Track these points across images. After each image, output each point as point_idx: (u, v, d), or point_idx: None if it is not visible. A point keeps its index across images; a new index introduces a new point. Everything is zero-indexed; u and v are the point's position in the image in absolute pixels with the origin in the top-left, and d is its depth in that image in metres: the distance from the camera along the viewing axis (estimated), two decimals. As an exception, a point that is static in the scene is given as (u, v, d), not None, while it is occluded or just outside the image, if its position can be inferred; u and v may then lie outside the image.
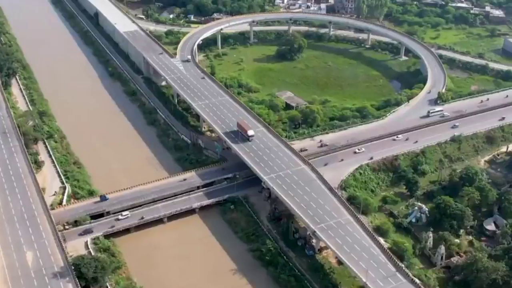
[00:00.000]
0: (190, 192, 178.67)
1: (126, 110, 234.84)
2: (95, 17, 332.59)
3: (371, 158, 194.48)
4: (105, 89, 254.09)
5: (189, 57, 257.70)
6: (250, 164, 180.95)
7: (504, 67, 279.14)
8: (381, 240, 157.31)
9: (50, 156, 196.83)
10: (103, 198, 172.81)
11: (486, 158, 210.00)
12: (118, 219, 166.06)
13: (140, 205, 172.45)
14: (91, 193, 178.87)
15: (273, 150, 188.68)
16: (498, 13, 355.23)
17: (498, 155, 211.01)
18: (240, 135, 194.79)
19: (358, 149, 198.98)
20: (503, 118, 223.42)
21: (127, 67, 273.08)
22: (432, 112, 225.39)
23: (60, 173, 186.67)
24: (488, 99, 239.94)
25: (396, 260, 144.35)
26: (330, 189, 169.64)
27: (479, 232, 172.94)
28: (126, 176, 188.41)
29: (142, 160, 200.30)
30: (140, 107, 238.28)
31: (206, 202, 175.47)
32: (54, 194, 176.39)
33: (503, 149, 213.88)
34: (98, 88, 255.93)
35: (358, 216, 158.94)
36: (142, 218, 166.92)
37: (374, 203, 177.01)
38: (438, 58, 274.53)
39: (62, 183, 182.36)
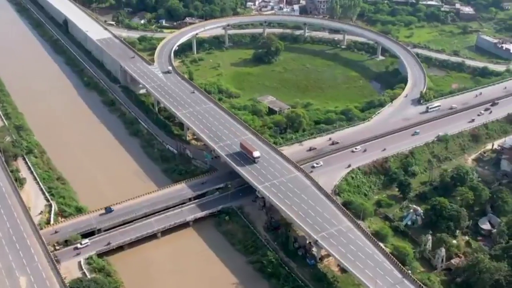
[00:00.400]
0: (183, 205, 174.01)
1: (106, 121, 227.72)
2: (64, 25, 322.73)
3: (349, 165, 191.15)
4: (82, 100, 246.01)
5: (170, 68, 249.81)
6: (243, 173, 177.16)
7: (480, 64, 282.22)
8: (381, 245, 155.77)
9: (31, 172, 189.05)
10: (108, 210, 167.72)
11: (473, 156, 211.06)
12: (77, 248, 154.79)
13: (132, 221, 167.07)
14: (79, 210, 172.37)
15: (264, 157, 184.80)
16: (468, 10, 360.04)
17: (484, 153, 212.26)
18: (244, 156, 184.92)
19: (316, 163, 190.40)
20: (473, 120, 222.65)
21: (102, 76, 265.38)
22: (431, 108, 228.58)
23: (44, 190, 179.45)
24: (481, 93, 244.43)
25: (402, 267, 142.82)
26: (327, 195, 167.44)
27: (475, 232, 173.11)
28: (113, 190, 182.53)
29: (129, 172, 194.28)
30: (120, 117, 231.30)
31: (200, 214, 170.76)
32: (40, 213, 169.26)
33: (489, 146, 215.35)
34: (75, 99, 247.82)
35: (359, 223, 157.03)
36: (109, 244, 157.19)
37: (370, 208, 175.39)
38: (416, 58, 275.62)
39: (47, 200, 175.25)
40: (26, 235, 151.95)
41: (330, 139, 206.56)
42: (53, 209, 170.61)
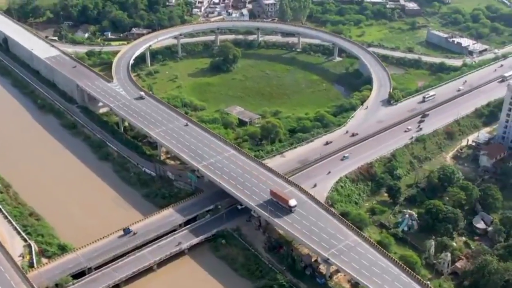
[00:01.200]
0: (174, 232, 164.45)
1: (70, 146, 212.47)
2: (3, 44, 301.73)
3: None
4: (39, 125, 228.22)
5: (142, 93, 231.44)
6: (235, 193, 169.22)
7: (436, 60, 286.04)
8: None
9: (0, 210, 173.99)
10: (127, 231, 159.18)
11: (451, 154, 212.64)
12: None
13: (124, 254, 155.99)
14: (62, 248, 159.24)
15: (253, 174, 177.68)
16: (412, 5, 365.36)
17: (461, 149, 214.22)
18: (276, 205, 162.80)
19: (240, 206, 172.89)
20: (409, 130, 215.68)
21: (57, 96, 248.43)
22: (427, 97, 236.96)
23: (19, 229, 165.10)
24: (466, 81, 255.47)
25: (420, 278, 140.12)
26: (326, 209, 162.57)
27: (469, 231, 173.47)
28: (94, 222, 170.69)
29: (107, 201, 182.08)
30: (85, 141, 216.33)
31: (196, 240, 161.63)
32: (21, 256, 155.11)
33: (464, 143, 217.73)
34: (31, 124, 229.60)
35: (366, 236, 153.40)
36: None
37: (366, 217, 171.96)
38: (376, 57, 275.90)
39: (25, 240, 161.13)
40: (14, 283, 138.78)
41: (347, 132, 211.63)
42: (33, 249, 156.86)
